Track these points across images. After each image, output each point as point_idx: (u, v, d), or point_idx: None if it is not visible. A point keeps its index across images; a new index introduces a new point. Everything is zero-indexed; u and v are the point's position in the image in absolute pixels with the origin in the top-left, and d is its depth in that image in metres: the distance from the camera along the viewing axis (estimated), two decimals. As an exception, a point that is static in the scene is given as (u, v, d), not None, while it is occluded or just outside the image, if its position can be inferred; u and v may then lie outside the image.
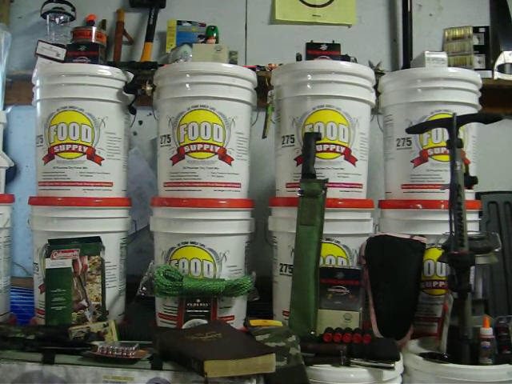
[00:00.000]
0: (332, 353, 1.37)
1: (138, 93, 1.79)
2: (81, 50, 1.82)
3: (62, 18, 2.21)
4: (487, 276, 1.57)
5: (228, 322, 1.63)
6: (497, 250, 1.54)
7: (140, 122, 2.23)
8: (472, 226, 1.68)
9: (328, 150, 1.67)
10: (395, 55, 2.35)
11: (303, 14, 2.34)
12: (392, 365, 1.34)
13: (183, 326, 1.56)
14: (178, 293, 1.60)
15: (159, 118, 1.80)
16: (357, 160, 1.71)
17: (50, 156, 1.74)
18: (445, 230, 1.48)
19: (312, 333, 1.51)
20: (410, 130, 1.67)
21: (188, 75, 1.71)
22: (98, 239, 1.65)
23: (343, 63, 1.75)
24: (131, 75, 1.83)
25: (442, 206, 1.66)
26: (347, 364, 1.35)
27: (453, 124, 1.46)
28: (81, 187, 1.72)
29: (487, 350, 1.36)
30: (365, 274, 1.63)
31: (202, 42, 2.17)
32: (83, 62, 1.79)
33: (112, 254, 1.75)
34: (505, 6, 2.33)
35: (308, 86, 1.70)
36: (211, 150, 1.68)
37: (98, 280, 1.61)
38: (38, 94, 1.80)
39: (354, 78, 1.71)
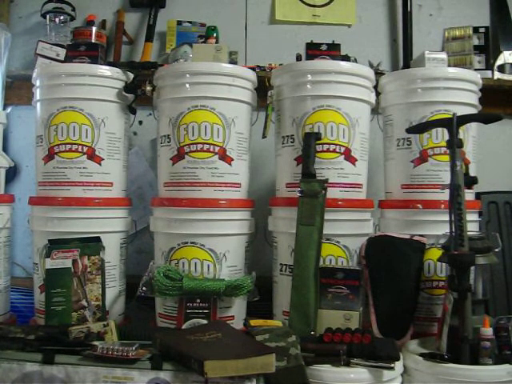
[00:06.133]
0: (332, 353, 1.36)
1: (138, 93, 1.79)
2: (81, 50, 1.82)
3: (62, 18, 2.21)
4: (487, 276, 1.57)
5: (228, 322, 1.63)
6: (497, 250, 1.54)
7: (140, 122, 2.23)
8: (472, 226, 1.68)
9: (328, 150, 1.67)
10: (395, 55, 2.34)
11: (303, 13, 2.34)
12: (392, 365, 1.34)
13: (183, 326, 1.56)
14: (177, 293, 1.60)
15: (159, 118, 1.80)
16: (357, 160, 1.71)
17: (50, 156, 1.74)
18: (445, 229, 1.48)
19: (312, 333, 1.51)
20: (410, 130, 1.67)
21: (188, 75, 1.71)
22: (98, 239, 1.65)
23: (343, 63, 1.75)
24: (131, 75, 1.83)
25: (442, 205, 1.66)
26: (347, 364, 1.35)
27: (453, 124, 1.46)
28: (81, 187, 1.72)
29: (487, 350, 1.36)
30: (365, 273, 1.63)
31: (202, 42, 2.17)
32: (83, 62, 1.79)
33: (112, 253, 1.75)
34: (505, 6, 2.33)
35: (308, 86, 1.70)
36: (211, 150, 1.68)
37: (98, 280, 1.61)
38: (37, 94, 1.80)
39: (354, 77, 1.71)
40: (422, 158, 1.74)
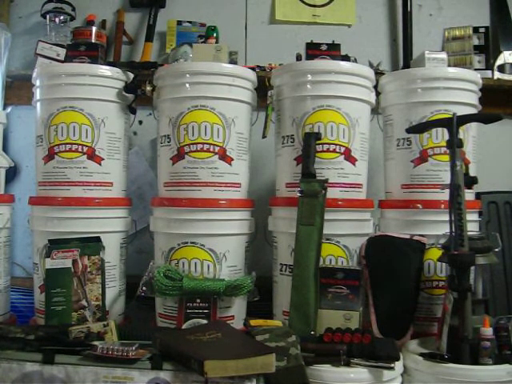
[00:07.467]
0: (332, 353, 1.36)
1: (138, 93, 1.79)
2: (81, 49, 1.82)
3: (62, 17, 2.21)
4: (487, 276, 1.57)
5: (228, 322, 1.63)
6: (497, 249, 1.54)
7: (140, 122, 2.23)
8: (472, 226, 1.68)
9: (328, 150, 1.67)
10: (395, 55, 2.35)
11: (303, 13, 2.34)
12: (392, 365, 1.34)
13: (183, 326, 1.56)
14: (178, 293, 1.60)
15: (159, 118, 1.80)
16: (357, 160, 1.71)
17: (50, 156, 1.74)
18: (445, 230, 1.48)
19: (312, 333, 1.51)
20: (409, 130, 1.67)
21: (188, 75, 1.71)
22: (98, 239, 1.65)
23: (343, 63, 1.75)
24: (131, 75, 1.83)
25: (442, 205, 1.66)
26: (347, 364, 1.35)
27: (453, 124, 1.46)
28: (81, 187, 1.72)
29: (487, 350, 1.36)
30: (365, 273, 1.63)
31: (202, 42, 2.17)
32: (83, 62, 1.79)
33: (112, 253, 1.75)
34: (505, 6, 2.33)
35: (308, 86, 1.70)
36: (211, 150, 1.68)
37: (98, 280, 1.61)
38: (37, 93, 1.80)
39: (354, 77, 1.71)
40: (422, 157, 1.74)
